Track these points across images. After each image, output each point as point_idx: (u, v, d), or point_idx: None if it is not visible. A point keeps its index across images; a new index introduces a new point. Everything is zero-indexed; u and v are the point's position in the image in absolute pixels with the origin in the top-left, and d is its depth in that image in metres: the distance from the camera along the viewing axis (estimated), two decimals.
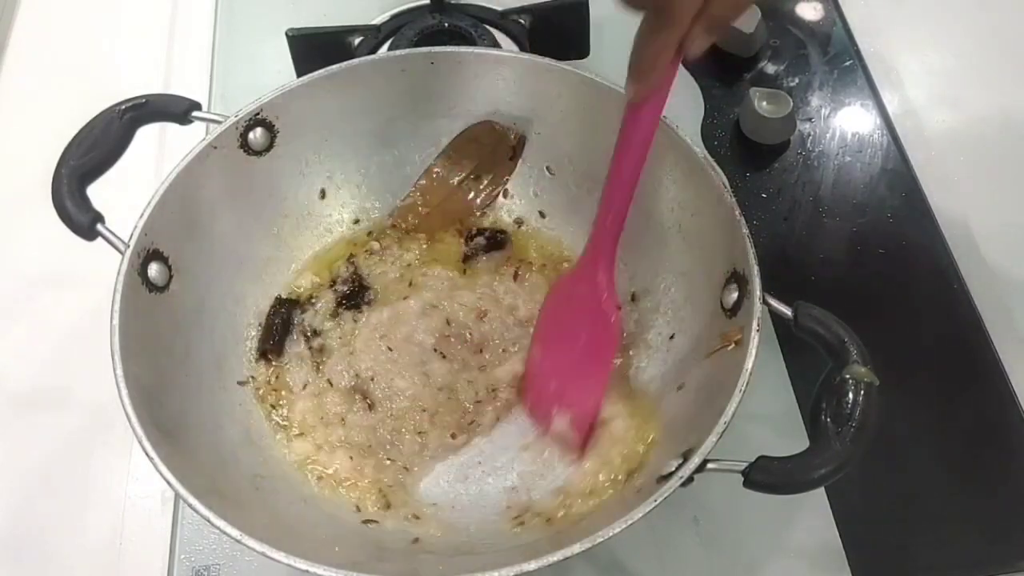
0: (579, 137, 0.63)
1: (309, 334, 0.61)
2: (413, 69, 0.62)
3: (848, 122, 0.76)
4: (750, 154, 0.74)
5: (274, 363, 0.60)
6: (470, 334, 0.61)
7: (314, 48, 0.74)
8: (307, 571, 0.42)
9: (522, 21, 0.78)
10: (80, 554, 0.58)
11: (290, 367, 0.60)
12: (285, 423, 0.57)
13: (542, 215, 0.67)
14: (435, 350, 0.60)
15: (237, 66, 0.82)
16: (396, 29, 0.78)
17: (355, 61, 0.61)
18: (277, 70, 0.74)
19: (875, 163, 0.74)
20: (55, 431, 0.63)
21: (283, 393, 0.59)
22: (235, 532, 0.43)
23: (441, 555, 0.51)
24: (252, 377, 0.59)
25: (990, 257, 0.68)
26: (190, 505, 0.43)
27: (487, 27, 0.78)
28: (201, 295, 0.58)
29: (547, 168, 0.66)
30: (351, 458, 0.56)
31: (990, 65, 0.81)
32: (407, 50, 0.64)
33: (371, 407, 0.58)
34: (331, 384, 0.59)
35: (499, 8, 0.80)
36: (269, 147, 0.61)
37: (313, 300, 0.62)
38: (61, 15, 0.88)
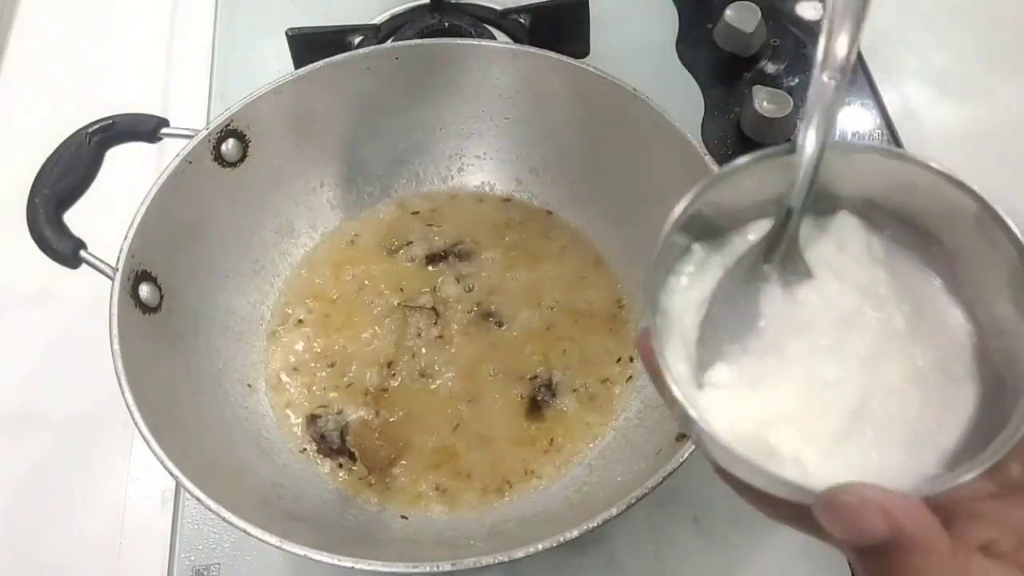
0: (576, 128, 0.64)
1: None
2: (379, 67, 0.62)
3: (848, 122, 0.76)
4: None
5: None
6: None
7: (314, 48, 0.74)
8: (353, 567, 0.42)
9: (522, 20, 0.78)
10: (80, 554, 0.58)
11: None
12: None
13: (548, 213, 0.67)
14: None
15: (237, 66, 0.81)
16: (396, 28, 0.78)
17: (319, 63, 0.61)
18: (277, 70, 0.74)
19: None
20: (55, 431, 0.63)
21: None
22: (300, 550, 0.43)
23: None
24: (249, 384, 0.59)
25: None
26: (232, 523, 0.44)
27: (487, 26, 0.78)
28: (193, 311, 0.58)
29: (544, 161, 0.66)
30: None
31: (990, 65, 0.81)
32: (371, 47, 0.64)
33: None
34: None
35: (499, 7, 0.80)
36: (243, 158, 0.61)
37: None
38: (61, 16, 0.88)
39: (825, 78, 0.32)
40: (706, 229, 0.35)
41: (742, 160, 0.33)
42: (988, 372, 0.32)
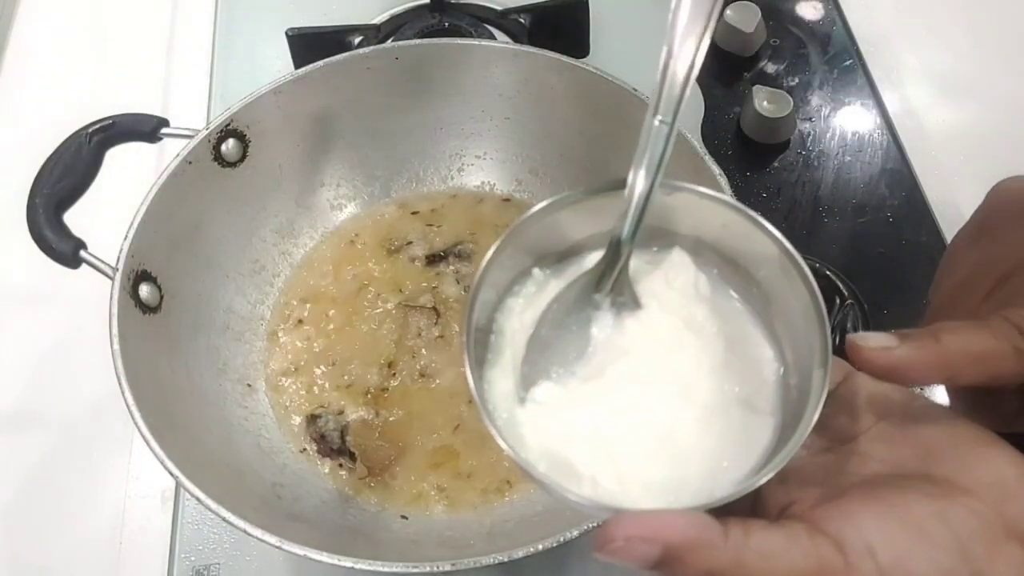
0: (575, 128, 0.64)
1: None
2: (379, 67, 0.62)
3: (848, 122, 0.76)
4: (750, 153, 0.74)
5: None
6: None
7: (314, 48, 0.74)
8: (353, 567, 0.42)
9: (522, 20, 0.78)
10: (80, 554, 0.58)
11: None
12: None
13: None
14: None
15: (237, 66, 0.81)
16: (396, 28, 0.78)
17: (319, 63, 0.61)
18: (277, 70, 0.74)
19: (875, 163, 0.74)
20: (55, 431, 0.63)
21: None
22: (300, 550, 0.43)
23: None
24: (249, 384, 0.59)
25: None
26: (232, 523, 0.44)
27: (487, 26, 0.78)
28: (193, 311, 0.58)
29: (544, 161, 0.66)
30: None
31: (990, 65, 0.81)
32: (371, 47, 0.64)
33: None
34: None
35: (499, 7, 0.80)
36: (243, 158, 0.61)
37: None
38: (61, 16, 0.88)
39: (656, 122, 0.34)
40: (548, 255, 0.37)
41: (577, 192, 0.35)
42: (788, 407, 0.34)
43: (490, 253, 0.34)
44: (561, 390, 0.34)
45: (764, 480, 0.30)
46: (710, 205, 0.35)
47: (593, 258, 0.36)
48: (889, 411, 0.33)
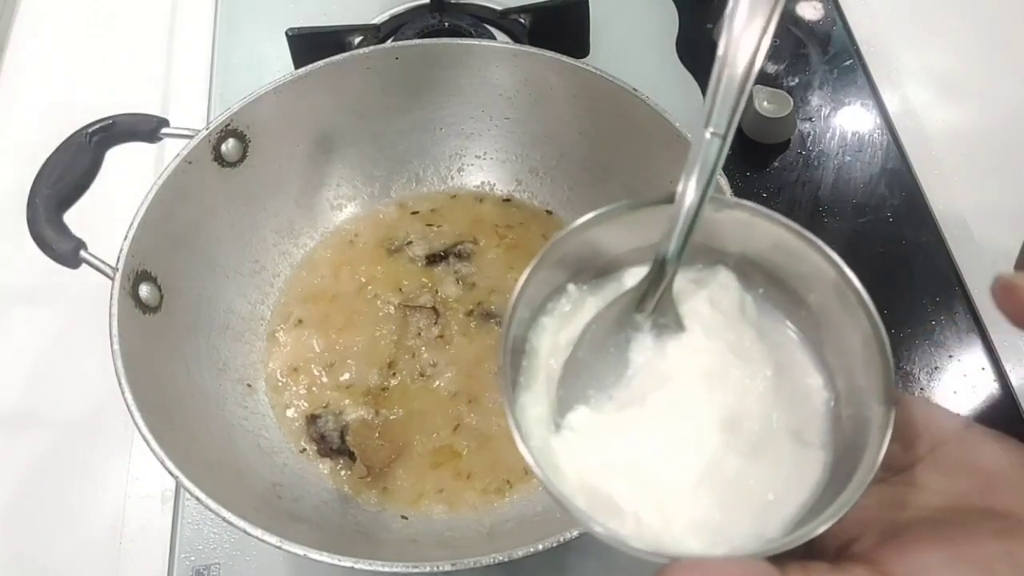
0: (575, 128, 0.64)
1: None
2: (379, 67, 0.62)
3: (848, 122, 0.76)
4: (750, 153, 0.74)
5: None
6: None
7: (314, 48, 0.74)
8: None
9: (522, 20, 0.78)
10: (80, 553, 0.58)
11: None
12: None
13: (548, 213, 0.67)
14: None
15: (237, 66, 0.81)
16: (396, 28, 0.78)
17: (319, 63, 0.61)
18: (277, 70, 0.74)
19: (875, 163, 0.74)
20: (55, 431, 0.63)
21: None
22: (300, 550, 0.43)
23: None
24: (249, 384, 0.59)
25: (990, 257, 0.68)
26: (232, 523, 0.44)
27: (487, 26, 0.78)
28: (193, 311, 0.58)
29: (544, 161, 0.66)
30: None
31: (990, 65, 0.81)
32: (371, 47, 0.64)
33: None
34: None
35: (499, 7, 0.80)
36: (243, 158, 0.60)
37: None
38: (61, 16, 0.88)
39: (708, 134, 0.31)
40: (584, 270, 0.35)
41: (619, 206, 0.33)
42: (839, 439, 0.32)
43: (527, 271, 0.32)
44: (598, 416, 0.32)
45: (824, 528, 0.28)
46: (762, 223, 0.33)
47: (632, 275, 0.34)
48: (944, 439, 0.31)
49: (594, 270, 0.35)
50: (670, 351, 0.33)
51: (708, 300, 0.34)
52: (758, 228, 0.33)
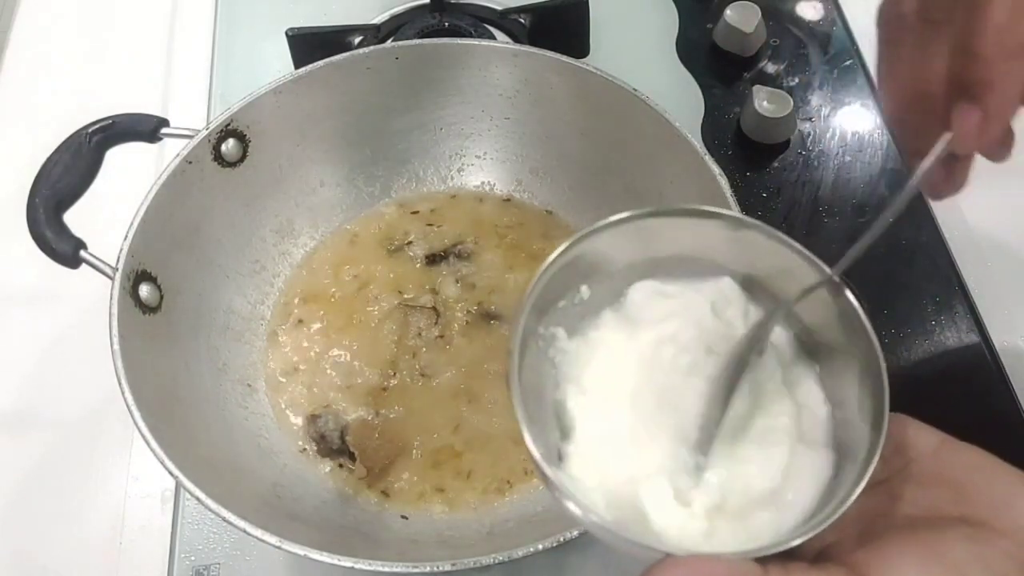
0: (575, 128, 0.64)
1: None
2: (379, 67, 0.62)
3: (848, 122, 0.76)
4: (750, 153, 0.74)
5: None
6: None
7: (314, 48, 0.74)
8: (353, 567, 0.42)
9: (522, 20, 0.78)
10: (80, 554, 0.58)
11: None
12: None
13: (548, 213, 0.67)
14: None
15: (237, 66, 0.81)
16: (396, 28, 0.78)
17: (319, 63, 0.61)
18: (277, 70, 0.74)
19: (875, 163, 0.74)
20: (55, 431, 0.63)
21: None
22: (300, 550, 0.43)
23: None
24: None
25: (990, 257, 0.68)
26: (232, 523, 0.44)
27: (487, 26, 0.78)
28: (193, 311, 0.58)
29: (544, 161, 0.66)
30: None
31: None
32: (371, 47, 0.64)
33: None
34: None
35: (499, 7, 0.80)
36: (243, 158, 0.60)
37: None
38: (61, 16, 0.88)
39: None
40: (594, 275, 0.37)
41: (642, 211, 0.34)
42: (837, 445, 0.34)
43: (544, 266, 0.35)
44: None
45: (802, 540, 0.30)
46: (780, 249, 0.35)
47: (637, 289, 0.36)
48: (920, 453, 0.33)
49: (603, 276, 0.37)
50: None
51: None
52: (775, 253, 0.35)
